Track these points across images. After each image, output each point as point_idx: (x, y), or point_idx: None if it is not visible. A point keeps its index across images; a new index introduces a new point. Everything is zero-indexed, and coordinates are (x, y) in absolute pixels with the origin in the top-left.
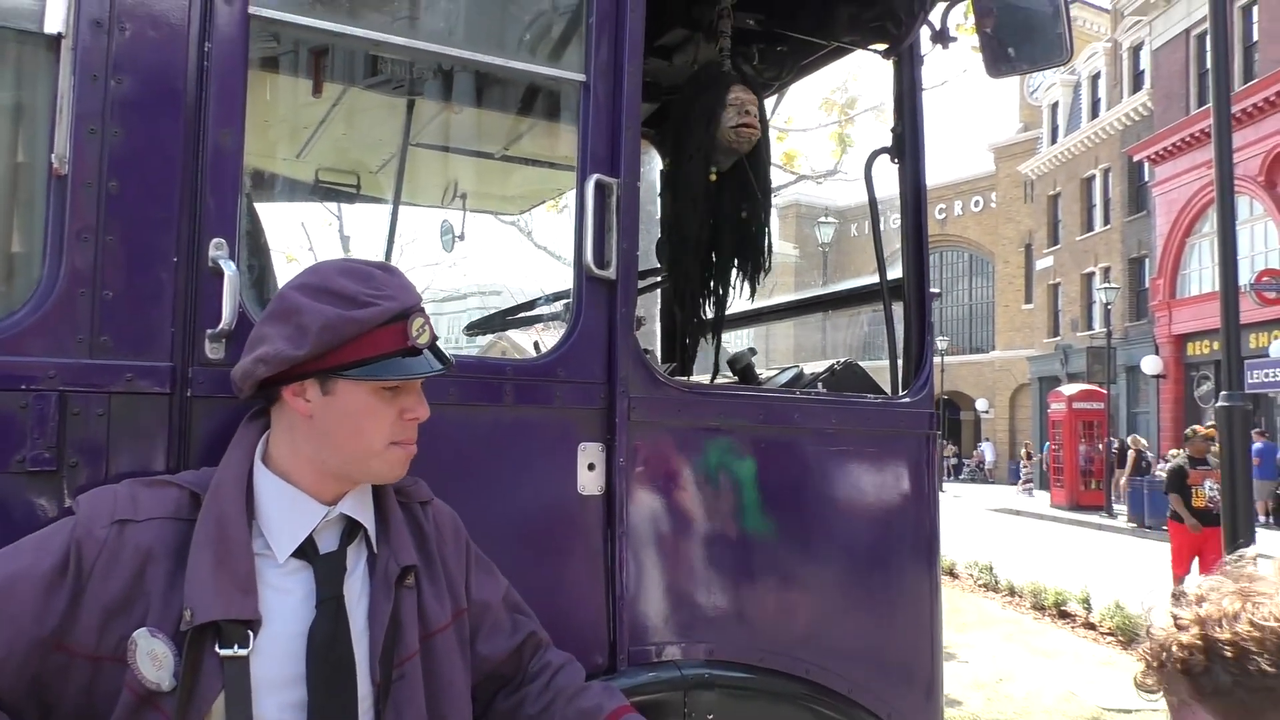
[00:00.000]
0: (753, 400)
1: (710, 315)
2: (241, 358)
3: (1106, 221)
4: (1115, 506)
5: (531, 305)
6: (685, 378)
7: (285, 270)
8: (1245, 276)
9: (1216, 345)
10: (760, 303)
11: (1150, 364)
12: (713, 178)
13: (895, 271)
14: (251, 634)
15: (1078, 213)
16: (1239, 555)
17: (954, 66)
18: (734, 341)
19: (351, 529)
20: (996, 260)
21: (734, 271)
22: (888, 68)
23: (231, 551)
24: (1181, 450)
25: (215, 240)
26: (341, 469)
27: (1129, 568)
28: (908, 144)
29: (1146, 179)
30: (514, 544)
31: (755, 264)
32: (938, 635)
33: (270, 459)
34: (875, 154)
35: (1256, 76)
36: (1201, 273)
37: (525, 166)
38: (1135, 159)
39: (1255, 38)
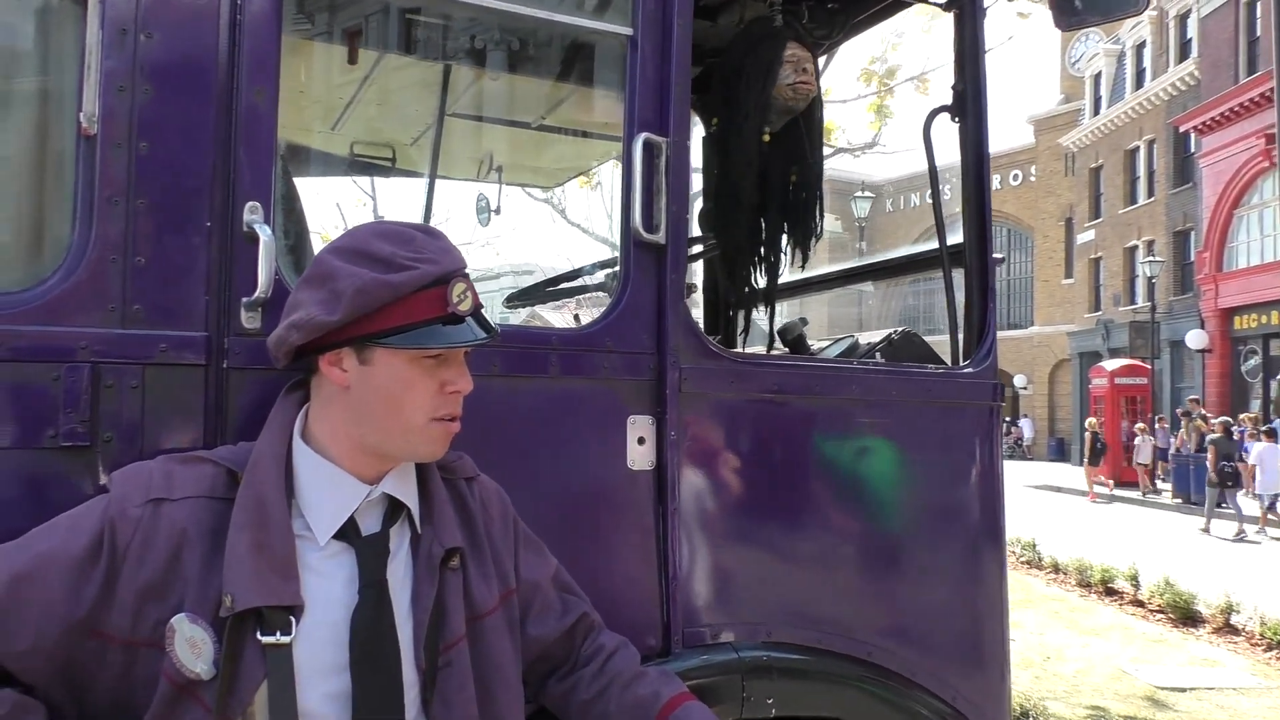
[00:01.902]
0: (810, 371)
1: (762, 284)
2: (279, 325)
3: (1150, 194)
4: (1159, 484)
5: (572, 277)
6: (737, 348)
7: (320, 243)
8: None
9: (1265, 319)
10: (812, 271)
11: (1195, 338)
12: (766, 138)
13: (955, 237)
14: (294, 620)
15: (1120, 185)
16: None
17: (998, 34)
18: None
19: (394, 509)
20: (1036, 235)
21: (784, 238)
22: (936, 30)
23: (272, 533)
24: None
25: (250, 204)
26: (381, 445)
27: (1174, 544)
28: (970, 102)
29: (1193, 150)
30: (562, 522)
31: (807, 230)
32: (1005, 615)
33: (309, 435)
34: (935, 112)
35: None
36: (1249, 245)
37: (560, 137)
38: (1181, 130)
39: None
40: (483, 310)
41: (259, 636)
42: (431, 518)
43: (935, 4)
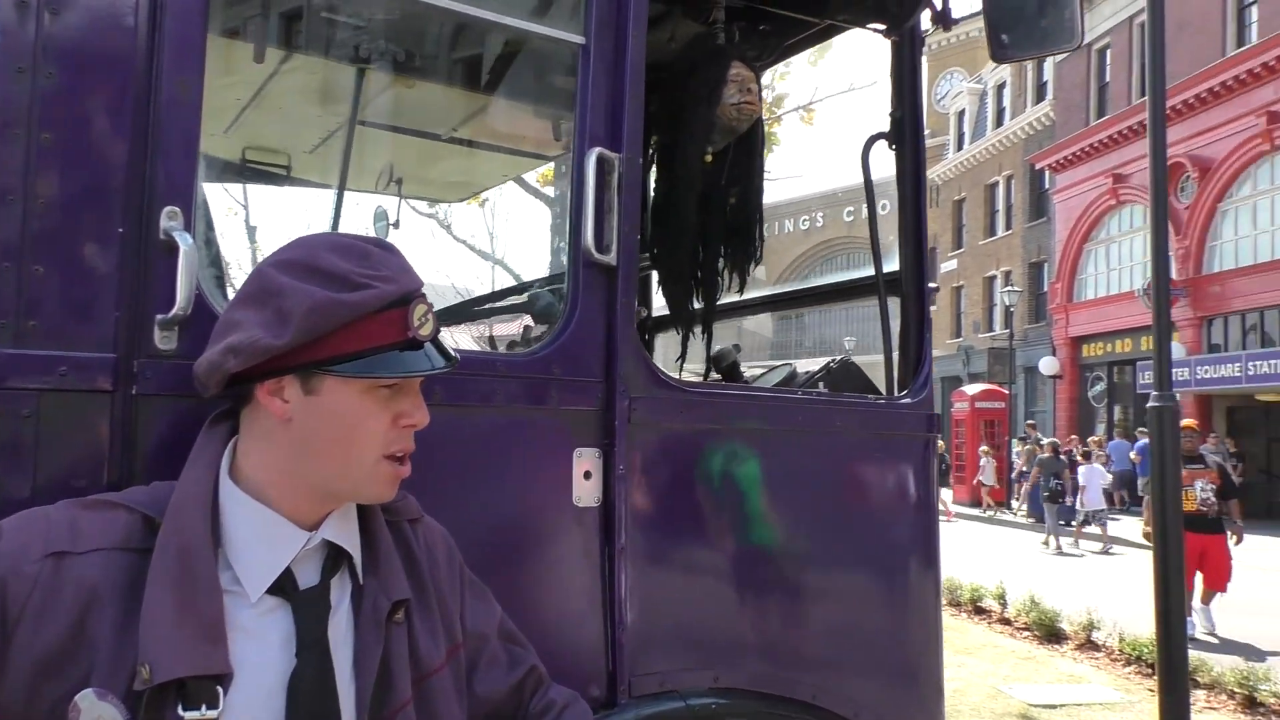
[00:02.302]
0: (760, 401)
1: (699, 306)
2: (208, 347)
3: (1008, 227)
4: (1014, 503)
5: (500, 297)
6: (682, 376)
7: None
8: (1138, 282)
9: (1110, 347)
10: (745, 294)
11: (1047, 365)
12: (708, 159)
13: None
14: (221, 690)
15: (981, 217)
16: None
17: (870, 68)
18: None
19: (334, 557)
20: (884, 232)
21: (722, 261)
22: (823, 65)
23: (197, 591)
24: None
25: (168, 209)
26: (325, 485)
27: (1033, 562)
28: (907, 129)
29: (1047, 186)
30: (503, 563)
31: (747, 253)
32: (941, 648)
33: (239, 473)
34: (873, 139)
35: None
36: (1097, 278)
37: (469, 150)
38: (1037, 167)
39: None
40: (440, 335)
41: (181, 713)
42: (376, 566)
43: (876, 31)
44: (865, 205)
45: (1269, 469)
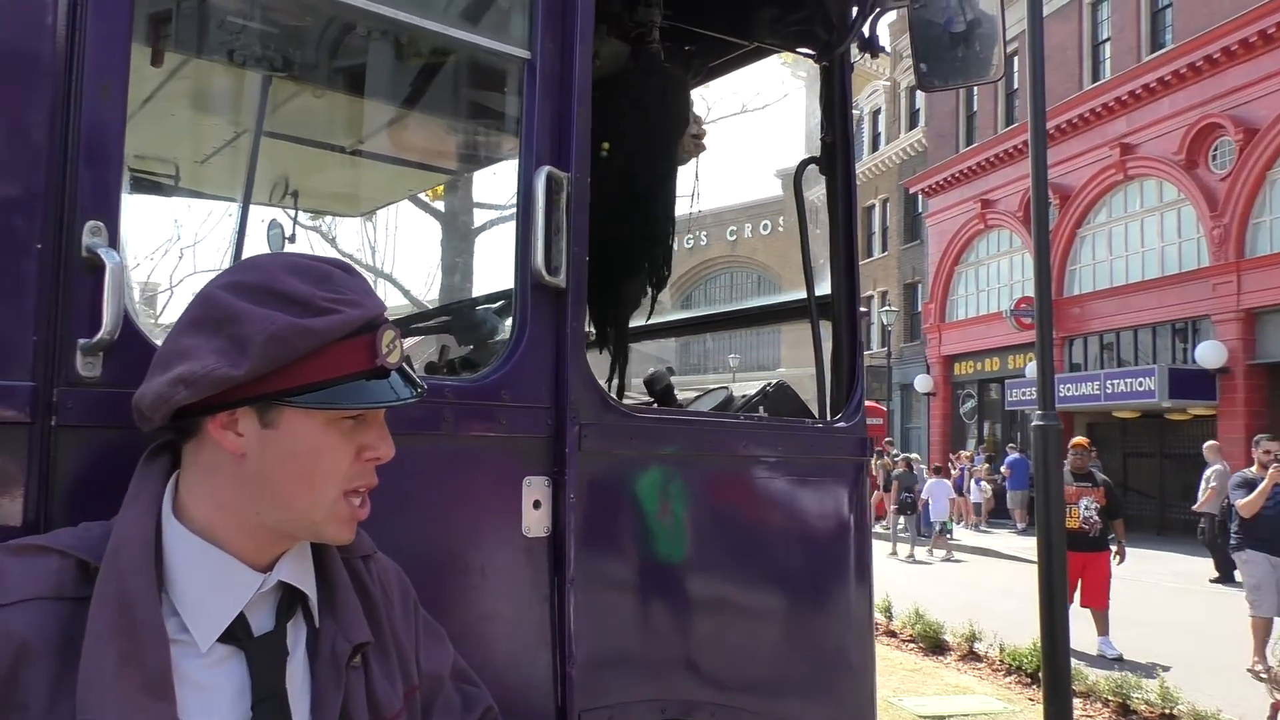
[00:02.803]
0: (707, 426)
1: (619, 330)
2: (150, 377)
3: (885, 248)
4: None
5: (434, 315)
6: (635, 402)
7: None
8: (1005, 304)
9: (980, 366)
10: (674, 316)
11: (921, 383)
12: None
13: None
14: None
15: (860, 239)
16: None
17: (776, 90)
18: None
19: (289, 598)
20: (783, 282)
21: (644, 283)
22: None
23: (140, 642)
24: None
25: (91, 224)
26: (281, 524)
27: (913, 576)
28: (839, 154)
29: (920, 210)
30: (450, 596)
31: (662, 278)
32: (874, 670)
33: (183, 512)
34: (804, 164)
35: (1016, 121)
36: (967, 299)
37: (372, 164)
38: (910, 191)
39: (1015, 85)
40: (405, 363)
41: None
42: (334, 608)
43: (807, 56)
44: (798, 229)
45: (1125, 482)
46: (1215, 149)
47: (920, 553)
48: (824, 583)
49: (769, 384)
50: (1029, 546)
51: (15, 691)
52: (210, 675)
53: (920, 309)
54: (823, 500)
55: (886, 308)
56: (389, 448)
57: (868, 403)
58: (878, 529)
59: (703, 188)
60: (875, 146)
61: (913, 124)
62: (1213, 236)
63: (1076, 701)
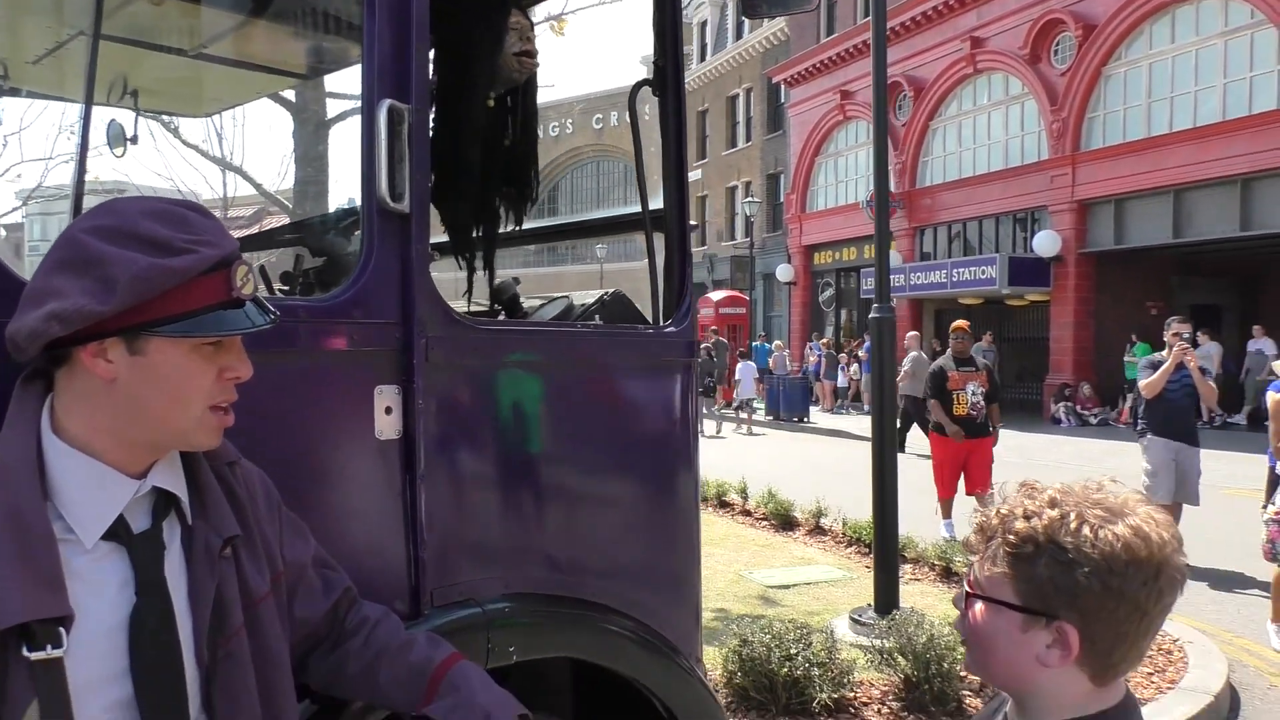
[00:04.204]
0: (545, 335)
1: (481, 246)
2: (19, 313)
3: (749, 138)
4: (755, 403)
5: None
6: (472, 314)
7: None
8: (863, 195)
9: (838, 255)
10: (528, 225)
11: (783, 272)
12: (490, 104)
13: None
14: (64, 631)
15: (723, 129)
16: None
17: None
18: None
19: (163, 501)
20: (649, 171)
21: (500, 200)
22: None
23: (31, 542)
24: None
25: None
26: (152, 439)
27: (771, 457)
28: (670, 77)
29: (783, 100)
30: (312, 494)
31: (524, 193)
32: (698, 547)
33: (61, 430)
34: (638, 85)
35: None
36: (827, 189)
37: (217, 66)
38: (774, 81)
39: None
40: (258, 293)
41: (25, 653)
42: (204, 508)
43: None
44: (632, 149)
45: None
46: (1057, 44)
47: (728, 429)
48: (654, 473)
49: (605, 293)
50: None
51: None
52: (97, 569)
53: (783, 199)
54: (653, 397)
55: (750, 199)
56: (247, 367)
57: (730, 292)
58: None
59: (563, 76)
60: (739, 34)
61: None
62: (1052, 130)
63: (907, 566)
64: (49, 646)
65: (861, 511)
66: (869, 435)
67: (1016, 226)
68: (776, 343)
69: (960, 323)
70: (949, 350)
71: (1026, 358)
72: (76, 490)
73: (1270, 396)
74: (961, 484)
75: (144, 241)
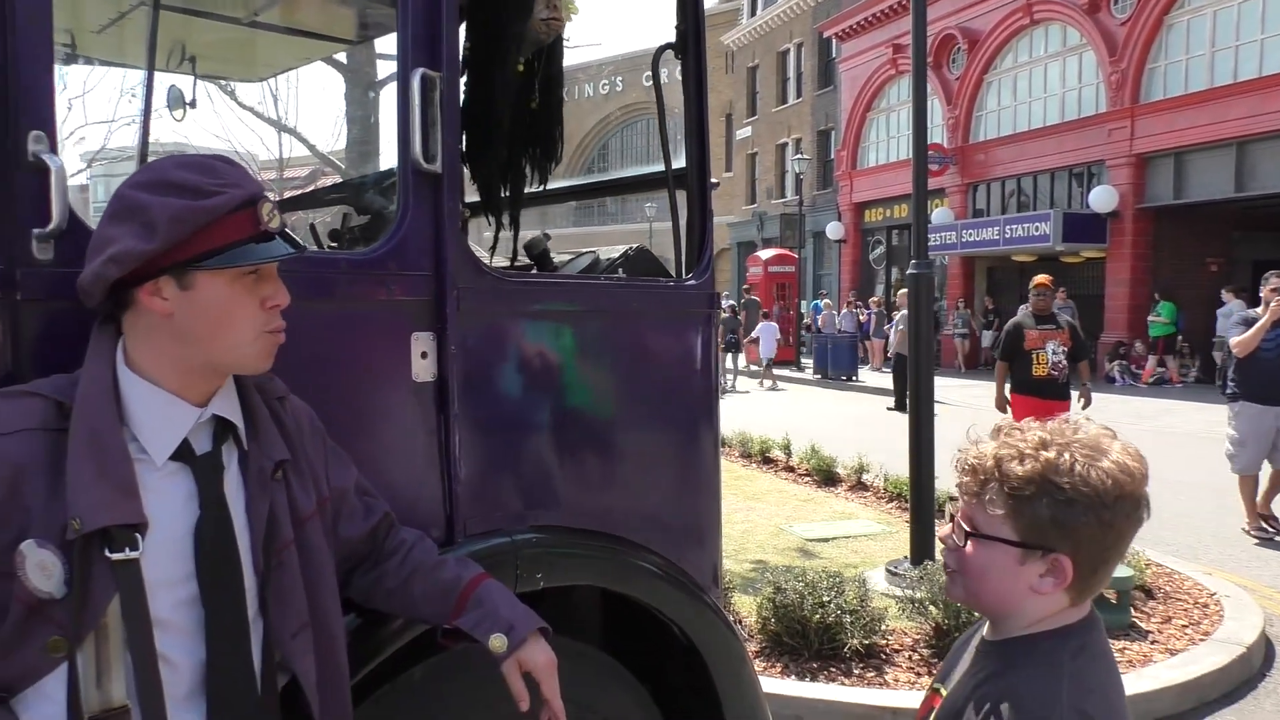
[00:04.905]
0: (568, 286)
1: (508, 203)
2: (86, 263)
3: (799, 94)
4: (804, 361)
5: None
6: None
7: None
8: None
9: (889, 213)
10: (558, 184)
11: (834, 230)
12: (520, 69)
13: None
14: (140, 537)
15: (774, 85)
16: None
17: None
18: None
19: (222, 429)
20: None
21: (526, 160)
22: None
23: (111, 459)
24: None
25: (34, 133)
26: (210, 363)
27: (819, 414)
28: (690, 41)
29: (834, 55)
30: (355, 430)
31: (549, 154)
32: (719, 489)
33: (132, 363)
34: (661, 49)
35: None
36: (878, 145)
37: (268, 33)
38: (825, 35)
39: None
40: (287, 229)
41: (107, 554)
42: (257, 435)
43: None
44: (656, 109)
45: None
46: None
47: (746, 383)
48: (675, 417)
49: (630, 248)
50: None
51: (19, 499)
52: (166, 484)
53: (833, 156)
54: (674, 346)
55: (799, 155)
56: (284, 295)
57: (779, 250)
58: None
59: (610, 34)
60: None
61: None
62: (1110, 82)
63: (944, 520)
64: (127, 549)
65: (904, 468)
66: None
67: (1073, 181)
68: (825, 301)
69: (1042, 278)
70: (1027, 306)
71: (1082, 316)
72: (147, 415)
73: None
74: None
75: (178, 188)
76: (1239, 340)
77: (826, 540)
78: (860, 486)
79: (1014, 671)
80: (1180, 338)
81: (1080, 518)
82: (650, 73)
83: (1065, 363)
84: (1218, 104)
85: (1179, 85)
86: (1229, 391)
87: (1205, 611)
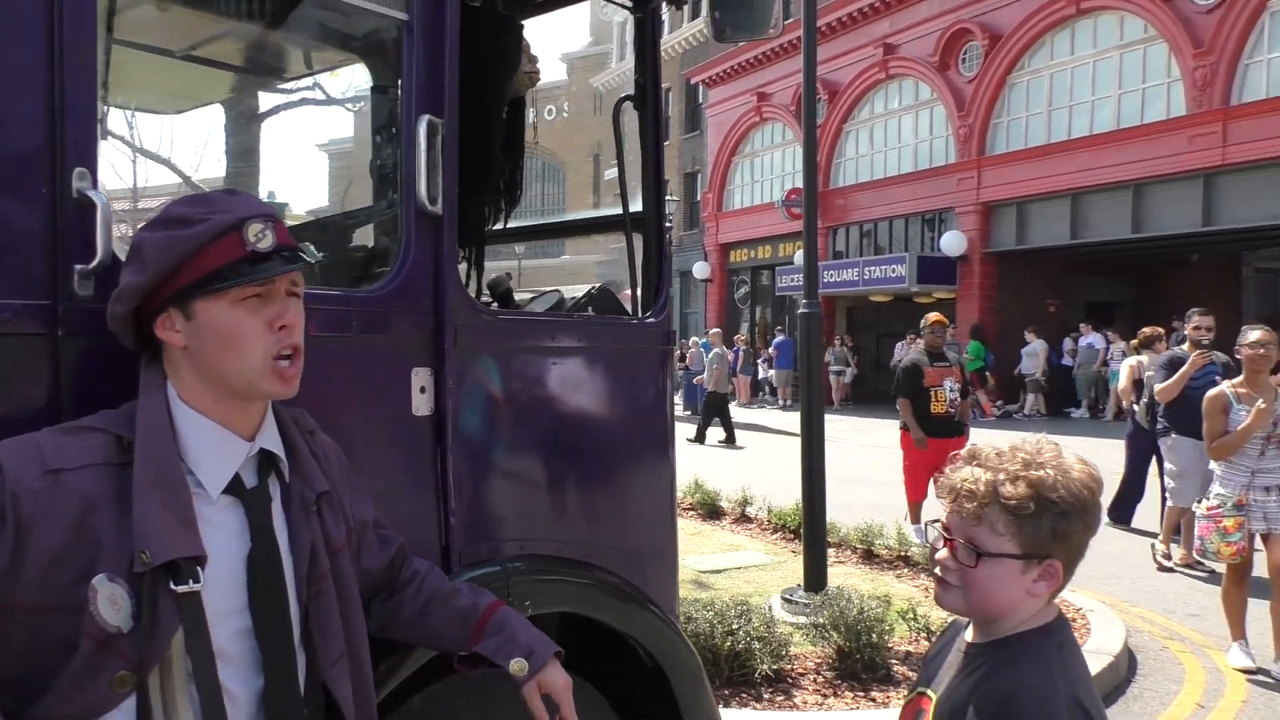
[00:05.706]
0: (552, 324)
1: (471, 245)
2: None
3: (667, 137)
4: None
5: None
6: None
7: None
8: (778, 194)
9: (753, 253)
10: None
11: (700, 269)
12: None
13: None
14: (201, 569)
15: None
16: (1036, 439)
17: None
18: None
19: (265, 461)
20: (567, 168)
21: (496, 203)
22: None
23: (174, 492)
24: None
25: (78, 170)
26: (229, 388)
27: (691, 451)
28: (649, 93)
29: (701, 101)
30: (360, 464)
31: (512, 198)
32: (675, 518)
33: (183, 398)
34: (621, 101)
35: (791, 17)
36: (743, 189)
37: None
38: (692, 81)
39: None
40: (294, 247)
41: (173, 587)
42: (299, 468)
43: (623, 6)
44: (616, 156)
45: (878, 360)
46: (965, 53)
47: None
48: (641, 445)
49: (593, 287)
50: (793, 421)
51: (89, 533)
52: (220, 516)
53: (700, 198)
54: (637, 380)
55: (669, 197)
56: (292, 316)
57: None
58: None
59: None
60: None
61: (695, 13)
62: (959, 135)
63: (831, 550)
64: (190, 581)
65: (784, 499)
66: (783, 428)
67: (925, 227)
68: (694, 340)
69: (935, 315)
70: (919, 345)
71: None
72: (202, 449)
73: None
74: (932, 487)
75: (169, 221)
76: (1162, 388)
77: (719, 572)
78: (744, 519)
79: (1013, 668)
80: (989, 373)
81: (1073, 525)
82: (611, 121)
83: (959, 399)
84: (1055, 158)
85: (1020, 140)
86: (1160, 427)
87: (1074, 625)
